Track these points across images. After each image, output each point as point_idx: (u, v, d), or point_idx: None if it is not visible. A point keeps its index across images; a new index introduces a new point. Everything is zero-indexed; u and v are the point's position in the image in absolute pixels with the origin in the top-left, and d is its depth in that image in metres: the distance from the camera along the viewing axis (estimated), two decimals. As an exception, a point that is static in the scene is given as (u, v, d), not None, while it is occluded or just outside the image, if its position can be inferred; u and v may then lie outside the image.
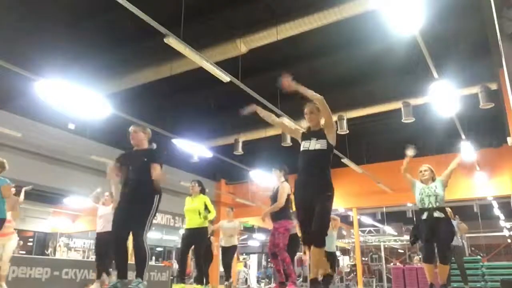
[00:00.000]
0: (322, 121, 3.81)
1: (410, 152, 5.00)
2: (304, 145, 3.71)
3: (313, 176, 3.60)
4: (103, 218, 6.70)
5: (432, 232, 4.69)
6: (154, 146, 4.08)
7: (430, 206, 4.76)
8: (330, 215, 3.63)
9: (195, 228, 5.96)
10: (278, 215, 5.40)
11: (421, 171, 5.05)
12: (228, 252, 7.97)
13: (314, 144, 3.64)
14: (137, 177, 3.76)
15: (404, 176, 5.10)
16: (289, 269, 5.26)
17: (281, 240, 5.30)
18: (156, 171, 3.75)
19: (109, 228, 6.51)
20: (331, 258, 7.34)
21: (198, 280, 6.15)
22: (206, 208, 6.03)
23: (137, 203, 3.69)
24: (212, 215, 6.11)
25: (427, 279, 4.90)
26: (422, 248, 4.97)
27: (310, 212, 3.49)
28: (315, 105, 3.70)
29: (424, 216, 4.79)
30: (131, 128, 4.00)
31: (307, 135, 3.77)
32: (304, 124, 4.35)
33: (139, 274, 3.65)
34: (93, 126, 10.89)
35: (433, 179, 4.98)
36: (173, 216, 14.20)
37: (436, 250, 4.76)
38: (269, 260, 18.68)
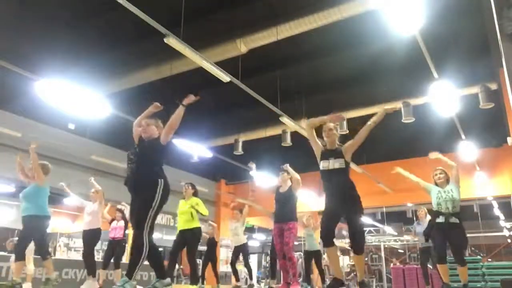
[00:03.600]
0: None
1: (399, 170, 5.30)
2: (323, 165, 3.98)
3: (339, 193, 3.88)
4: (92, 215, 6.71)
5: (446, 236, 4.80)
6: None
7: (447, 211, 4.83)
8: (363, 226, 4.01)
9: (187, 229, 5.97)
10: (290, 215, 5.49)
11: (436, 174, 5.09)
12: (237, 251, 8.06)
13: (332, 164, 3.92)
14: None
15: (418, 183, 5.19)
16: (295, 268, 5.40)
17: (291, 240, 5.41)
18: None
19: (95, 225, 6.55)
20: (316, 256, 7.84)
21: (193, 281, 6.12)
22: (198, 212, 6.01)
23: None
24: (204, 212, 6.05)
25: (443, 279, 4.94)
26: (435, 250, 5.09)
27: (335, 219, 3.89)
28: (335, 125, 4.09)
29: (440, 219, 4.86)
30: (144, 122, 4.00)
31: (325, 154, 4.03)
32: (303, 124, 4.46)
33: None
34: (93, 126, 10.88)
35: (448, 181, 5.02)
36: (173, 216, 14.19)
37: (452, 254, 4.92)
38: (268, 259, 18.61)
